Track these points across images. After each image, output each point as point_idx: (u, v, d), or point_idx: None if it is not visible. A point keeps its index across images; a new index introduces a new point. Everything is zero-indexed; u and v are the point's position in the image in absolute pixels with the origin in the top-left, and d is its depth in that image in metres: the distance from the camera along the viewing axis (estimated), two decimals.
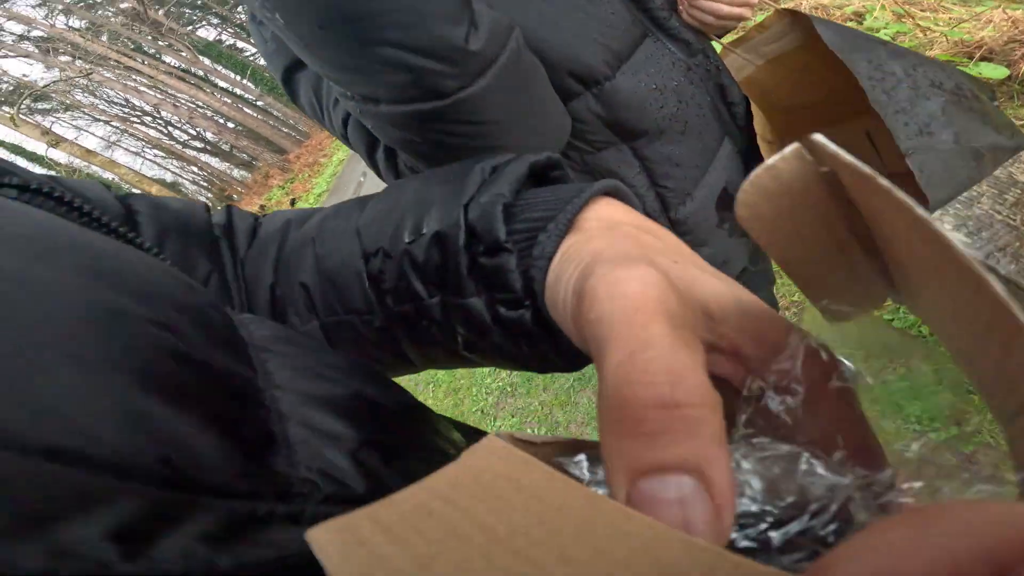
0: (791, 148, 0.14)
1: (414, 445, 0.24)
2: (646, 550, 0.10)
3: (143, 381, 0.15)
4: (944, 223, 0.90)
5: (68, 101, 13.80)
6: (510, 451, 0.13)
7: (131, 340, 0.16)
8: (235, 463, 0.16)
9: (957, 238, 0.89)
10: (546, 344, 0.25)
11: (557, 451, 0.16)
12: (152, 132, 16.04)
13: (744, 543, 0.14)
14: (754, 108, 0.74)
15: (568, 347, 0.25)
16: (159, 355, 0.16)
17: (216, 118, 15.31)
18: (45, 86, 12.70)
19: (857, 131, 0.81)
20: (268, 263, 0.33)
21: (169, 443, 0.14)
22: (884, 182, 0.12)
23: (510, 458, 0.13)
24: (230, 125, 15.46)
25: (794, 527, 0.14)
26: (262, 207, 12.12)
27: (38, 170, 0.28)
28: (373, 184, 5.83)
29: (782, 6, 0.70)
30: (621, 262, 0.17)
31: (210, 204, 0.36)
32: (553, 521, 0.11)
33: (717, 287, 0.17)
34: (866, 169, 0.12)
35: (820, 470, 0.14)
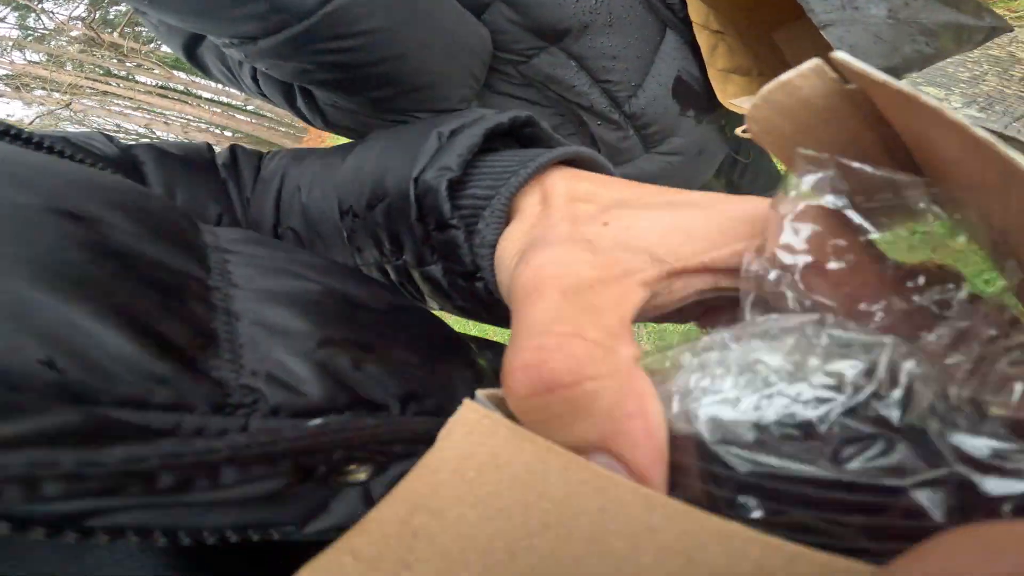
0: (810, 65, 0.14)
1: (401, 348, 0.21)
2: (675, 548, 0.09)
3: (34, 272, 0.13)
4: (951, 103, 0.83)
5: (62, 135, 14.23)
6: (490, 422, 0.12)
7: (27, 231, 0.14)
8: (154, 368, 0.14)
9: (969, 114, 0.81)
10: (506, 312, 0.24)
11: None
12: None
13: (782, 431, 0.12)
14: (690, 2, 0.72)
15: None
16: (62, 245, 0.14)
17: (211, 129, 15.34)
18: (31, 123, 12.89)
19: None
20: (270, 202, 0.34)
21: (56, 343, 0.12)
22: (930, 100, 0.11)
23: (492, 433, 0.11)
24: (227, 133, 15.49)
25: (837, 407, 0.12)
26: None
27: None
28: None
29: None
30: (537, 249, 0.17)
31: (212, 144, 0.38)
32: (559, 522, 0.09)
33: (658, 226, 0.17)
34: (907, 88, 0.11)
35: (850, 332, 0.13)
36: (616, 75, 0.68)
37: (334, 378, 0.17)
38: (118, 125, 14.84)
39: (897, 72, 0.65)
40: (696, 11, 0.72)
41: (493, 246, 0.22)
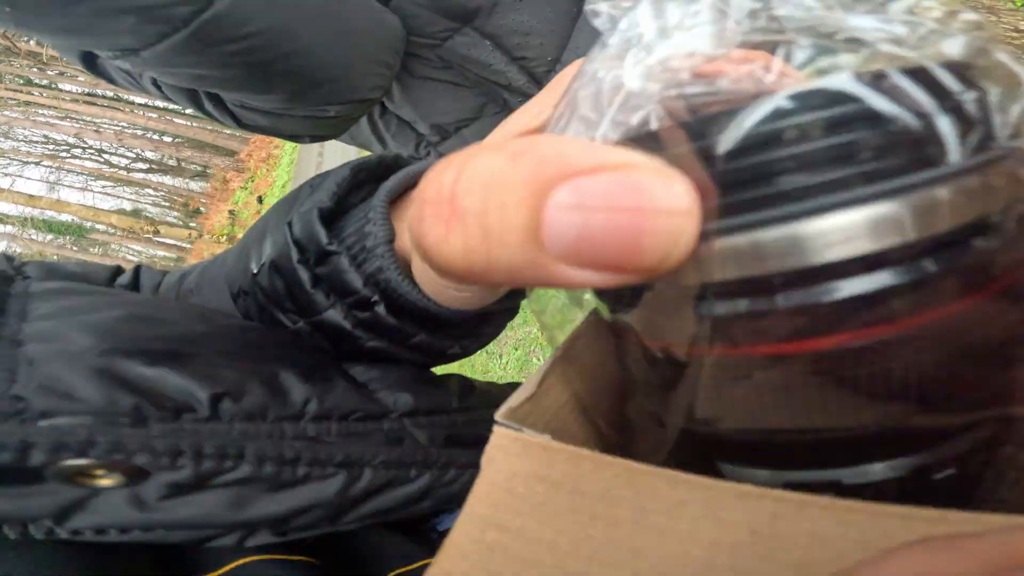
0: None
1: (215, 356, 0.22)
2: (705, 514, 0.10)
3: None
4: None
5: None
6: (522, 443, 0.13)
7: None
8: None
9: None
10: (418, 330, 0.26)
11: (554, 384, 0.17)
12: (89, 163, 15.41)
13: None
14: None
15: (446, 322, 0.26)
16: None
17: (148, 135, 14.63)
18: None
19: None
20: None
21: None
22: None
23: (528, 452, 0.13)
24: (166, 139, 14.81)
25: None
26: (231, 212, 12.20)
27: None
28: (332, 159, 5.79)
29: None
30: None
31: (121, 266, 0.36)
32: (605, 513, 0.11)
33: (522, 118, 0.19)
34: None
35: None
36: (531, 51, 0.67)
37: (116, 383, 0.18)
38: (46, 136, 14.15)
39: None
40: None
41: (391, 241, 0.23)
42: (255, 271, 0.27)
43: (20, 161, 14.15)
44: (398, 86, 0.73)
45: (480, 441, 0.16)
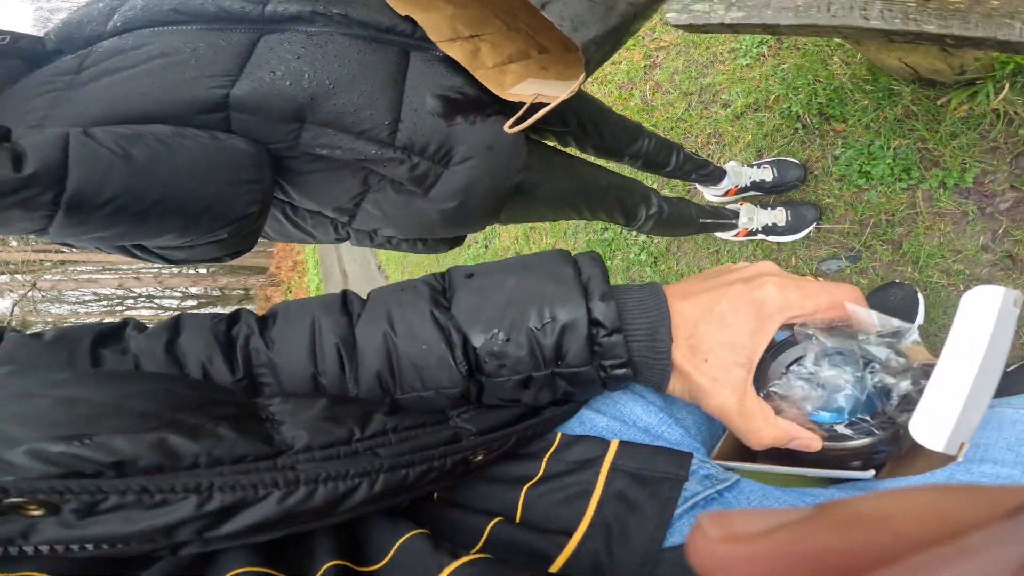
0: None
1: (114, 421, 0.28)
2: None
3: None
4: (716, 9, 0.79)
5: (48, 319, 14.07)
6: None
7: None
8: None
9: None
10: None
11: None
12: (145, 311, 16.38)
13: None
14: (423, 21, 0.73)
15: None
16: None
17: (183, 271, 15.56)
18: (11, 313, 12.86)
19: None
20: (302, 351, 0.39)
21: None
22: None
23: None
24: (202, 271, 15.68)
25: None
26: None
27: None
28: (347, 254, 6.03)
29: None
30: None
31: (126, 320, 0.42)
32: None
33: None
34: None
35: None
36: (368, 122, 0.69)
37: (39, 458, 0.25)
38: (95, 292, 15.17)
39: (620, 32, 0.65)
40: (436, 31, 0.72)
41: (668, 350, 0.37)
42: (537, 325, 0.36)
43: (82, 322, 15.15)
44: (292, 187, 0.77)
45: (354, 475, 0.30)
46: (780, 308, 0.34)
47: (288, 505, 0.28)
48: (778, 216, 1.37)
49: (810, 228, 1.34)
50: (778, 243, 1.41)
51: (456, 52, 0.72)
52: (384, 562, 0.31)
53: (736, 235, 1.44)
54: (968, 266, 1.10)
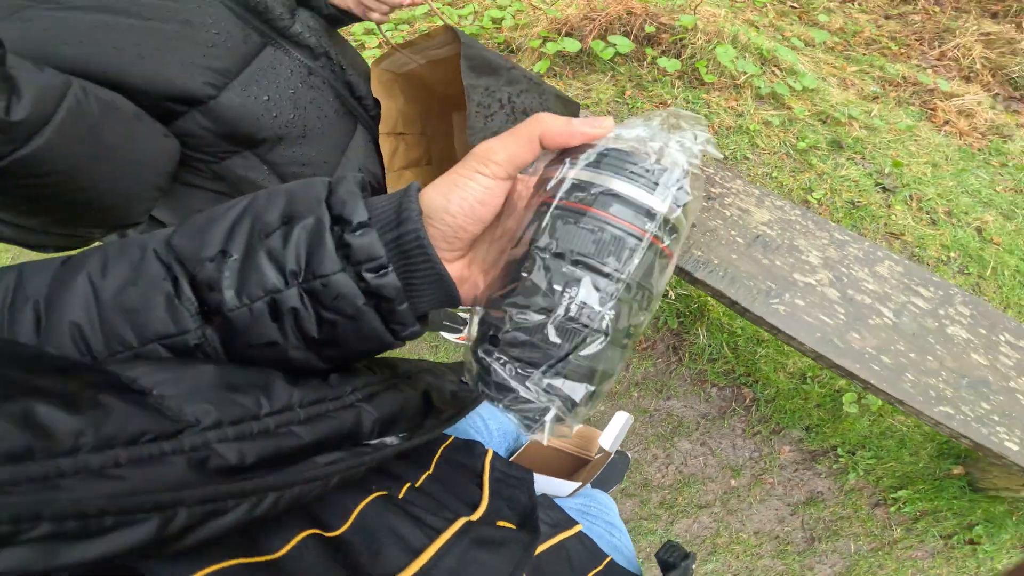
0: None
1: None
2: None
3: None
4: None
5: None
6: None
7: None
8: None
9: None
10: (400, 301, 0.32)
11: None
12: None
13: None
14: (384, 108, 0.82)
15: (422, 296, 0.33)
16: None
17: None
18: None
19: None
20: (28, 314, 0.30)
21: None
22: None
23: None
24: None
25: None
26: None
27: None
28: None
29: (449, 22, 0.79)
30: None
31: None
32: None
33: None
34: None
35: None
36: (306, 177, 0.74)
37: None
38: None
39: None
40: (386, 120, 0.83)
41: (421, 214, 0.31)
42: (267, 232, 0.30)
43: None
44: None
45: (300, 451, 0.25)
46: (484, 149, 0.31)
47: (256, 515, 0.24)
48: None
49: None
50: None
51: (384, 145, 0.84)
52: (347, 526, 0.31)
53: (458, 339, 1.81)
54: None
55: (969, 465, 1.56)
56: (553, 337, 0.28)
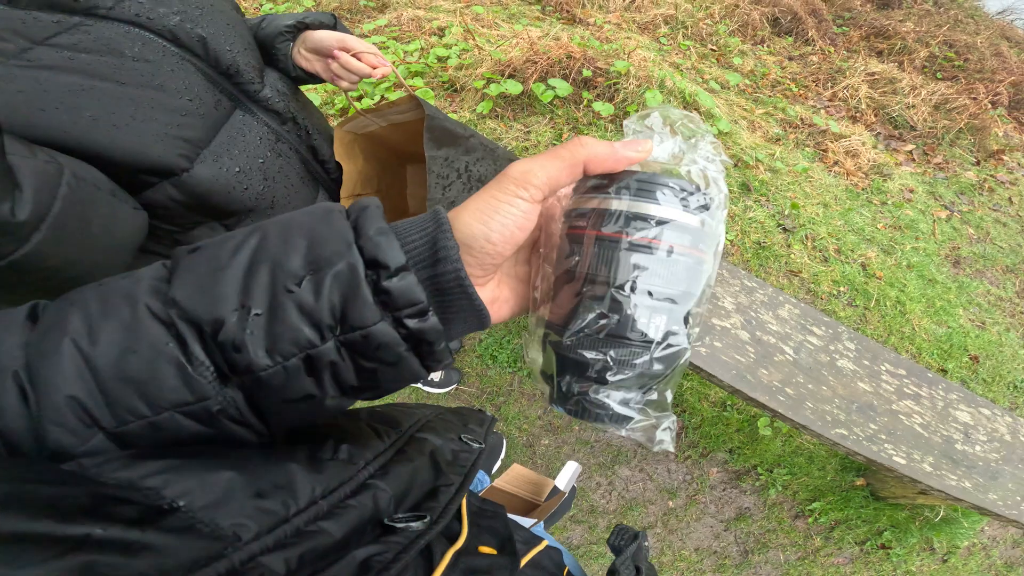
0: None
1: None
2: None
3: None
4: None
5: None
6: None
7: None
8: None
9: None
10: (445, 339, 0.31)
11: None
12: None
13: None
14: (345, 171, 0.84)
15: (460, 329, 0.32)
16: None
17: None
18: None
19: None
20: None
21: None
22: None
23: None
24: None
25: None
26: None
27: None
28: None
29: (414, 93, 0.82)
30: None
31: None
32: None
33: None
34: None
35: None
36: None
37: None
38: None
39: None
40: (346, 183, 0.84)
41: (458, 250, 0.30)
42: (293, 286, 0.27)
43: None
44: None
45: (333, 548, 0.25)
46: (522, 172, 0.30)
47: None
48: (435, 374, 1.85)
49: (453, 386, 1.87)
50: (428, 392, 1.88)
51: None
52: None
53: (432, 391, 1.83)
54: (532, 427, 1.82)
55: (869, 477, 1.75)
56: (657, 367, 0.31)
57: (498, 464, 1.73)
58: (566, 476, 1.03)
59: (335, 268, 0.27)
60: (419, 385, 1.84)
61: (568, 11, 3.35)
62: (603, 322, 0.31)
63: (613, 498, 1.75)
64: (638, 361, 0.31)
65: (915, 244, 2.42)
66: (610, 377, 0.31)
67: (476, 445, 0.49)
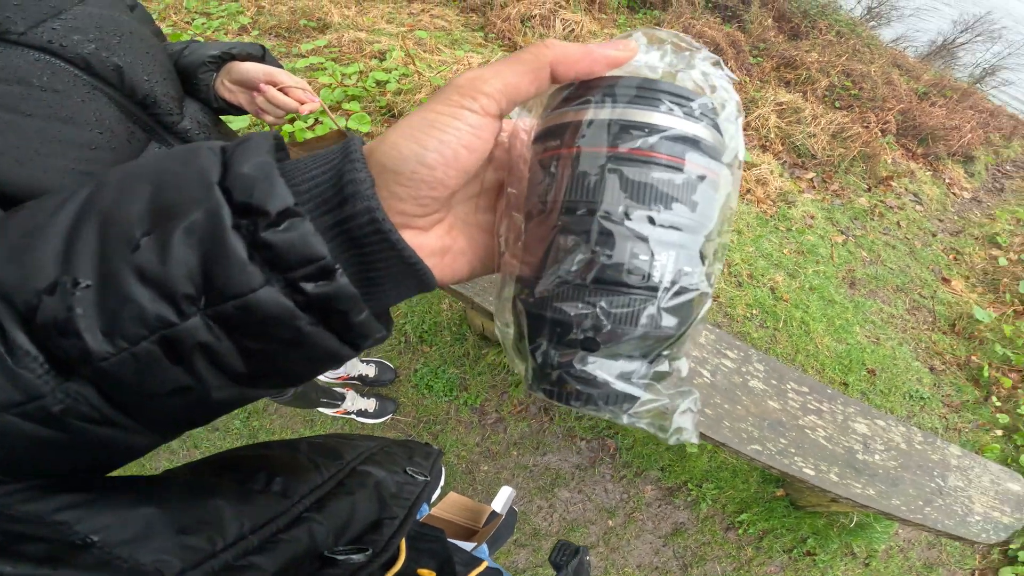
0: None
1: None
2: None
3: None
4: None
5: None
6: None
7: None
8: None
9: None
10: (362, 308, 0.23)
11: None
12: None
13: None
14: None
15: (389, 292, 0.24)
16: None
17: None
18: None
19: None
20: None
21: None
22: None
23: None
24: None
25: None
26: None
27: None
28: None
29: (342, 128, 0.78)
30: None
31: None
32: None
33: None
34: None
35: None
36: None
37: None
38: None
39: None
40: None
41: (373, 184, 0.22)
42: (131, 249, 0.20)
43: None
44: None
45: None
46: (469, 79, 0.23)
47: None
48: (370, 404, 1.81)
49: (388, 416, 1.83)
50: (363, 424, 1.83)
51: None
52: None
53: (336, 412, 1.78)
54: (470, 453, 1.82)
55: (787, 487, 1.87)
56: (667, 323, 0.23)
57: (437, 492, 1.71)
58: (501, 500, 1.04)
59: (189, 218, 0.20)
60: (353, 416, 1.80)
61: (509, 38, 3.46)
62: (587, 261, 0.23)
63: (555, 520, 1.77)
64: (640, 314, 0.23)
65: (816, 267, 2.64)
66: (602, 340, 0.23)
67: (421, 478, 0.45)
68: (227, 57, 0.76)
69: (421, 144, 0.22)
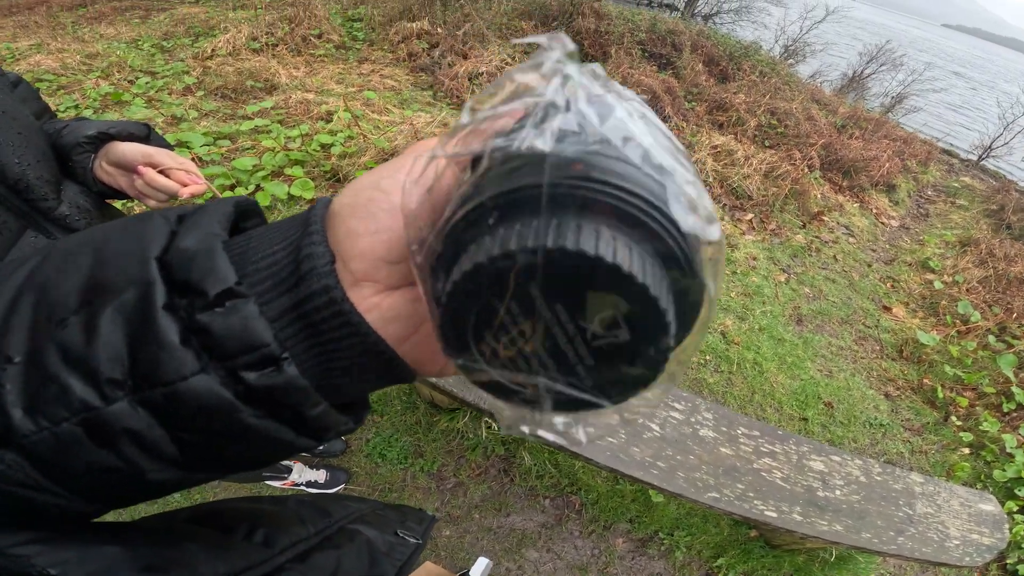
0: None
1: None
2: None
3: None
4: None
5: None
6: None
7: None
8: None
9: None
10: (319, 401, 0.20)
11: None
12: None
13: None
14: None
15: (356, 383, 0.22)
16: None
17: None
18: None
19: None
20: None
21: None
22: None
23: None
24: None
25: None
26: None
27: None
28: None
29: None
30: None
31: None
32: None
33: None
34: None
35: None
36: None
37: None
38: None
39: None
40: None
41: (332, 261, 0.19)
42: (57, 325, 0.19)
43: None
44: None
45: None
46: (414, 146, 0.23)
47: None
48: (319, 475, 1.71)
49: (340, 487, 1.73)
50: (311, 493, 1.72)
51: None
52: None
53: (284, 484, 1.67)
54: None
55: (760, 528, 1.83)
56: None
57: None
58: (478, 572, 0.99)
59: (121, 296, 0.19)
60: (303, 487, 1.69)
61: (458, 96, 3.56)
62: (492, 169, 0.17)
63: None
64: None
65: (763, 308, 2.71)
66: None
67: (413, 540, 0.47)
68: (104, 138, 0.72)
69: (378, 174, 0.22)
